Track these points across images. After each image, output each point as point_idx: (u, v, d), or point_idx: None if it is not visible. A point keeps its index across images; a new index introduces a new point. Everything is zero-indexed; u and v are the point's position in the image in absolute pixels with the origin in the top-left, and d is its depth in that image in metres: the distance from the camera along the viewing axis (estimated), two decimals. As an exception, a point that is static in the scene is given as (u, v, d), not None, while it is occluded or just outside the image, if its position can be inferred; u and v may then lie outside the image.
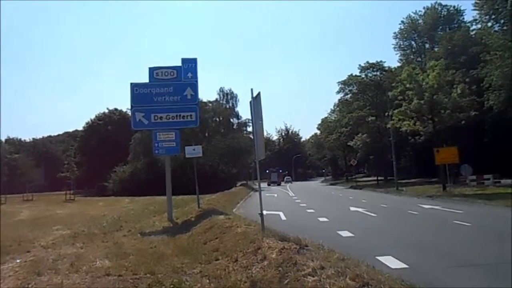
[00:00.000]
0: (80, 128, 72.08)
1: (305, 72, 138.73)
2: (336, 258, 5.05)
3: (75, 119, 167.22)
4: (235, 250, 6.62)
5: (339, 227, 10.78)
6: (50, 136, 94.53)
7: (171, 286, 5.15)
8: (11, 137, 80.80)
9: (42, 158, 76.26)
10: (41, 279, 5.81)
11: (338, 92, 54.02)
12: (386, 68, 49.70)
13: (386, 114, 35.47)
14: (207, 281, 5.35)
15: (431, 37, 49.39)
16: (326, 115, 67.15)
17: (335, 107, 60.67)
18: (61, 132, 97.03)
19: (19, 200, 42.81)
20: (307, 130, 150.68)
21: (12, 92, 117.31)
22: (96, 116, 66.59)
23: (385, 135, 44.04)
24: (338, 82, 52.68)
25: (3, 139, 74.69)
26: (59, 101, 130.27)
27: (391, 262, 6.30)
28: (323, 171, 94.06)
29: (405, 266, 6.12)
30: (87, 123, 67.17)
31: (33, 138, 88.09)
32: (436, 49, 45.18)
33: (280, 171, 72.97)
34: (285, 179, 73.68)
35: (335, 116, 60.56)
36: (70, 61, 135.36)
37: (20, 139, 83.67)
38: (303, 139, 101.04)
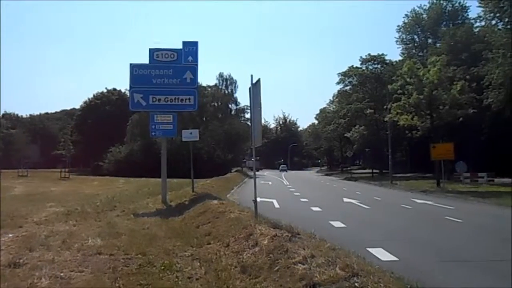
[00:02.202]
0: (78, 107, 71.62)
1: (305, 62, 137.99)
2: (327, 248, 5.09)
3: (73, 97, 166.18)
4: (227, 235, 6.66)
5: (332, 218, 10.86)
6: (47, 113, 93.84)
7: (162, 267, 5.17)
8: (8, 112, 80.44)
9: (39, 134, 76.06)
10: (32, 255, 5.82)
11: (338, 83, 53.90)
12: (387, 61, 49.43)
13: (385, 107, 35.36)
14: (198, 264, 5.38)
15: (434, 32, 49.00)
16: (324, 106, 67.11)
17: (334, 98, 60.62)
18: (58, 110, 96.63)
19: (14, 176, 42.70)
20: (305, 119, 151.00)
21: (11, 66, 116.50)
22: (94, 96, 66.10)
23: (383, 128, 44.08)
24: (338, 73, 52.52)
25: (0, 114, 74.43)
26: (57, 78, 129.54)
27: (382, 254, 6.35)
28: (319, 161, 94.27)
29: (395, 259, 6.17)
30: (85, 102, 66.72)
31: (30, 114, 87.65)
32: (438, 45, 44.87)
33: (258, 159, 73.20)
34: (280, 167, 73.80)
35: (334, 107, 60.45)
36: (71, 38, 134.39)
37: (17, 115, 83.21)
38: (300, 129, 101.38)
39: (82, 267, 5.25)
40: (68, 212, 10.97)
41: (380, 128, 45.99)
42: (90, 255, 5.91)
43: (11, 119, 76.01)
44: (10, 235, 7.40)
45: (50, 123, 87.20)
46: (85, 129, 61.71)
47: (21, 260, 5.43)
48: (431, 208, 14.78)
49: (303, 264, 4.36)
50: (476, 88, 30.50)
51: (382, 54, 49.74)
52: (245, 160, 66.55)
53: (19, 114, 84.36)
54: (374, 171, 48.62)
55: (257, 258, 5.02)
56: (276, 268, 4.50)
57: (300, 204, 16.23)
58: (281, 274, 4.33)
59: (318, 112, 70.18)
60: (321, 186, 32.00)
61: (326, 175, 60.43)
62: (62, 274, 4.89)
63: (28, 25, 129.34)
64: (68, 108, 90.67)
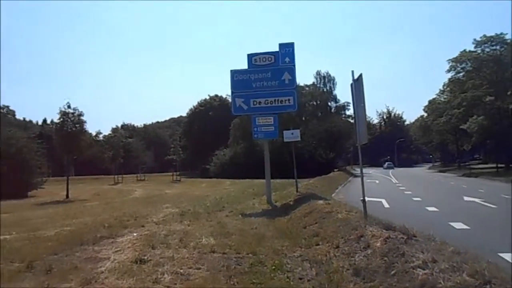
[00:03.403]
0: (184, 114, 77.43)
1: (408, 52, 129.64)
2: (450, 252, 4.59)
3: (179, 106, 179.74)
4: (336, 236, 6.45)
5: (452, 218, 9.90)
6: (158, 122, 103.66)
7: (273, 267, 5.20)
8: (125, 123, 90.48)
9: (152, 142, 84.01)
10: (154, 252, 6.29)
11: (448, 71, 49.10)
12: (508, 41, 43.71)
13: (509, 93, 31.22)
14: (308, 265, 5.30)
15: None
16: (434, 96, 61.73)
17: (445, 87, 55.47)
18: (167, 118, 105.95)
19: (133, 180, 47.76)
20: (411, 112, 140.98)
21: (125, 82, 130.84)
22: (198, 103, 70.75)
23: (506, 116, 39.05)
24: (448, 60, 47.88)
25: (119, 125, 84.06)
26: (165, 90, 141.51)
27: (517, 260, 5.57)
28: (430, 156, 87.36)
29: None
30: (190, 110, 71.89)
31: (144, 124, 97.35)
32: None
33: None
34: (386, 164, 70.32)
35: (445, 97, 55.40)
36: (174, 52, 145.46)
37: (133, 125, 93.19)
38: (407, 123, 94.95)
39: (199, 264, 5.52)
40: (182, 212, 11.65)
41: (504, 117, 40.86)
42: (205, 253, 6.19)
43: (128, 129, 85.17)
44: (135, 234, 8.07)
45: (161, 131, 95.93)
46: (191, 135, 66.37)
47: (145, 257, 5.88)
48: None
49: (424, 269, 3.99)
50: None
51: (501, 34, 43.91)
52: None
53: (135, 125, 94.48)
54: (499, 165, 43.26)
55: (371, 261, 4.76)
56: (393, 272, 4.21)
57: (412, 203, 15.16)
58: (399, 279, 4.04)
59: (426, 103, 65.11)
60: (435, 183, 29.59)
61: (440, 171, 55.74)
62: (181, 270, 5.20)
63: (138, 43, 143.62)
64: (176, 116, 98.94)
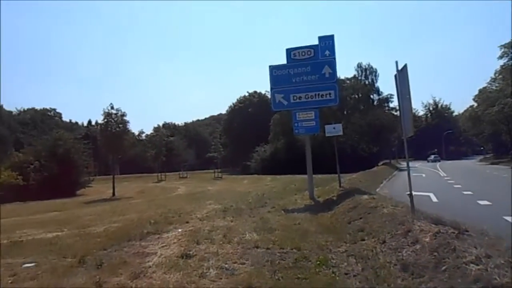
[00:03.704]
0: (224, 112, 78.32)
1: (454, 39, 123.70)
2: (505, 247, 4.36)
3: (219, 103, 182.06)
4: (382, 231, 6.30)
5: (506, 212, 9.35)
6: (198, 120, 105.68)
7: (317, 262, 5.17)
8: (167, 122, 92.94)
9: (193, 140, 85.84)
10: (199, 247, 6.44)
11: (500, 57, 46.29)
12: None
13: None
14: (354, 260, 5.22)
15: None
16: (484, 85, 58.38)
17: (497, 74, 52.40)
18: (207, 116, 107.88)
19: (176, 177, 48.94)
20: (460, 103, 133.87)
21: (166, 83, 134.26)
22: (237, 100, 71.29)
23: None
24: (500, 46, 45.21)
25: (161, 124, 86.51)
26: (205, 88, 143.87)
27: None
28: (481, 148, 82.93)
29: None
30: (230, 107, 72.57)
31: (185, 122, 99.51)
32: None
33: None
34: (432, 157, 67.60)
35: (497, 85, 52.34)
36: (213, 50, 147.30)
37: (174, 124, 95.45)
38: (455, 114, 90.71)
39: (243, 259, 5.60)
40: (225, 209, 11.84)
41: None
42: (248, 248, 6.27)
43: (170, 128, 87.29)
44: (180, 230, 8.31)
45: (201, 128, 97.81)
46: (232, 132, 67.03)
47: (191, 252, 6.04)
48: None
49: (477, 265, 3.83)
50: None
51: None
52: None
53: (176, 123, 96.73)
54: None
55: (419, 256, 4.60)
56: (443, 267, 4.06)
57: (462, 197, 14.46)
58: (450, 275, 3.89)
59: (476, 93, 61.87)
60: (486, 176, 28.03)
61: (492, 163, 52.76)
62: (226, 265, 5.29)
63: (177, 43, 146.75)
64: (216, 113, 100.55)
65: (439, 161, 63.70)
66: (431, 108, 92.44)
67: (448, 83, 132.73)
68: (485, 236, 5.07)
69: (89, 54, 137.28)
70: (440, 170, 37.51)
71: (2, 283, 5.07)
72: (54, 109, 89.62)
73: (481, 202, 11.99)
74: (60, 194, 25.57)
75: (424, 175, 30.34)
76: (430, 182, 22.70)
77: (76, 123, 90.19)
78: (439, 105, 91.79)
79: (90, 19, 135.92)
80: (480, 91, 59.56)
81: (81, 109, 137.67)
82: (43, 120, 77.90)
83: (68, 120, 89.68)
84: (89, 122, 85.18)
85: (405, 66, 7.20)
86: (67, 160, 29.92)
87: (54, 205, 19.21)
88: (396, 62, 7.38)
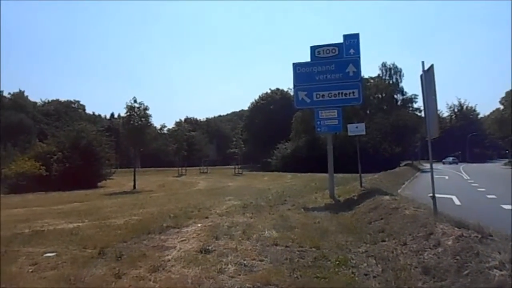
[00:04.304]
0: (246, 108, 78.51)
1: (482, 40, 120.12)
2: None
3: (241, 99, 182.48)
4: (403, 233, 6.23)
5: (532, 217, 9.09)
6: (220, 116, 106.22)
7: (337, 262, 5.15)
8: (189, 117, 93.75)
9: (214, 135, 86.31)
10: (218, 243, 6.48)
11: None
12: None
13: None
14: (374, 261, 5.18)
15: None
16: (512, 87, 57.06)
17: (525, 77, 50.98)
18: (229, 112, 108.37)
19: (196, 172, 49.29)
20: (485, 105, 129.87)
21: (186, 78, 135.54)
22: (259, 96, 71.32)
23: None
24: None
25: (183, 119, 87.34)
26: (227, 84, 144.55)
27: None
28: (507, 152, 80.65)
29: None
30: (252, 103, 72.63)
31: (206, 118, 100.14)
32: None
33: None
34: (451, 159, 65.86)
35: (525, 88, 50.84)
36: (236, 46, 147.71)
37: (196, 119, 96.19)
38: (480, 116, 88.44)
39: (262, 256, 5.60)
40: (244, 205, 11.83)
41: None
42: (267, 245, 6.26)
43: (192, 123, 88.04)
44: (199, 225, 8.37)
45: (223, 124, 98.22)
46: (253, 128, 67.10)
47: (209, 247, 6.09)
48: None
49: (500, 270, 3.76)
50: None
51: None
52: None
53: (198, 118, 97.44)
54: None
55: (441, 259, 4.53)
56: (466, 272, 3.99)
57: (486, 201, 14.13)
58: (473, 279, 3.82)
59: (503, 95, 60.19)
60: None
61: (518, 168, 51.29)
62: (245, 262, 5.31)
63: (201, 39, 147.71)
64: (238, 110, 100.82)
65: (457, 163, 62.08)
66: (456, 110, 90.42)
67: (474, 84, 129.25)
68: (509, 241, 4.96)
69: (114, 48, 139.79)
70: (463, 172, 36.68)
71: (23, 272, 5.16)
72: (78, 101, 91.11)
73: (506, 207, 11.69)
74: (82, 185, 25.86)
75: (447, 177, 29.74)
76: (453, 184, 22.23)
77: (99, 115, 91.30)
78: (464, 106, 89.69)
79: (115, 13, 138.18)
80: (507, 93, 57.94)
81: (105, 102, 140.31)
82: (67, 112, 78.73)
83: (91, 113, 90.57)
84: (112, 115, 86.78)
85: (431, 66, 7.12)
86: (90, 152, 30.16)
87: (75, 196, 19.51)
88: (422, 62, 7.32)
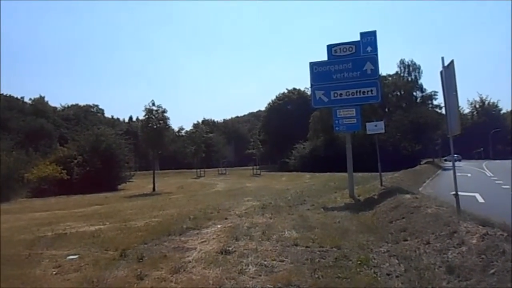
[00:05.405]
0: (263, 108, 78.48)
1: (502, 35, 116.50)
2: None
3: (258, 100, 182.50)
4: (425, 231, 6.13)
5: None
6: (237, 117, 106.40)
7: (358, 262, 5.09)
8: (206, 118, 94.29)
9: (232, 136, 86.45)
10: (238, 243, 6.49)
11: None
12: None
13: None
14: (396, 261, 5.11)
15: None
16: (535, 81, 55.41)
17: (550, 69, 49.47)
18: (246, 113, 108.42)
19: (215, 174, 49.51)
20: (508, 100, 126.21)
21: (205, 79, 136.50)
22: (276, 97, 71.17)
23: None
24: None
25: (200, 120, 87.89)
26: (244, 85, 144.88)
27: None
28: (531, 147, 78.39)
29: None
30: (268, 104, 72.56)
31: (224, 119, 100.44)
32: None
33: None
34: (455, 157, 64.00)
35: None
36: (253, 47, 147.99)
37: (213, 120, 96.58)
38: (503, 112, 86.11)
39: (282, 257, 5.59)
40: (264, 206, 11.84)
41: None
42: (287, 246, 6.25)
43: (209, 125, 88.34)
44: (219, 226, 8.40)
45: (240, 125, 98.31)
46: (270, 129, 66.96)
47: (230, 248, 6.11)
48: None
49: (528, 269, 3.67)
50: None
51: None
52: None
53: (215, 120, 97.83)
54: None
55: (466, 258, 4.45)
56: (492, 271, 3.90)
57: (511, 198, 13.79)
58: (499, 279, 3.73)
59: (526, 90, 58.45)
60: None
61: (544, 164, 49.72)
62: (265, 262, 5.30)
63: (218, 40, 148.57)
64: (255, 110, 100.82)
65: (460, 160, 60.32)
66: (477, 106, 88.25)
67: (496, 80, 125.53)
68: (536, 240, 4.84)
69: (132, 52, 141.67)
70: (486, 169, 35.82)
71: (47, 274, 5.25)
72: (97, 105, 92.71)
73: (532, 204, 11.35)
74: (102, 188, 26.28)
75: (469, 174, 29.09)
76: (476, 182, 21.76)
77: (118, 119, 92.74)
78: (486, 102, 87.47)
79: (133, 15, 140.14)
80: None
81: (123, 105, 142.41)
82: (86, 116, 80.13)
83: (110, 116, 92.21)
84: (130, 118, 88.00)
85: (451, 62, 6.99)
86: (109, 155, 30.67)
87: (96, 199, 19.82)
88: (442, 58, 7.19)
